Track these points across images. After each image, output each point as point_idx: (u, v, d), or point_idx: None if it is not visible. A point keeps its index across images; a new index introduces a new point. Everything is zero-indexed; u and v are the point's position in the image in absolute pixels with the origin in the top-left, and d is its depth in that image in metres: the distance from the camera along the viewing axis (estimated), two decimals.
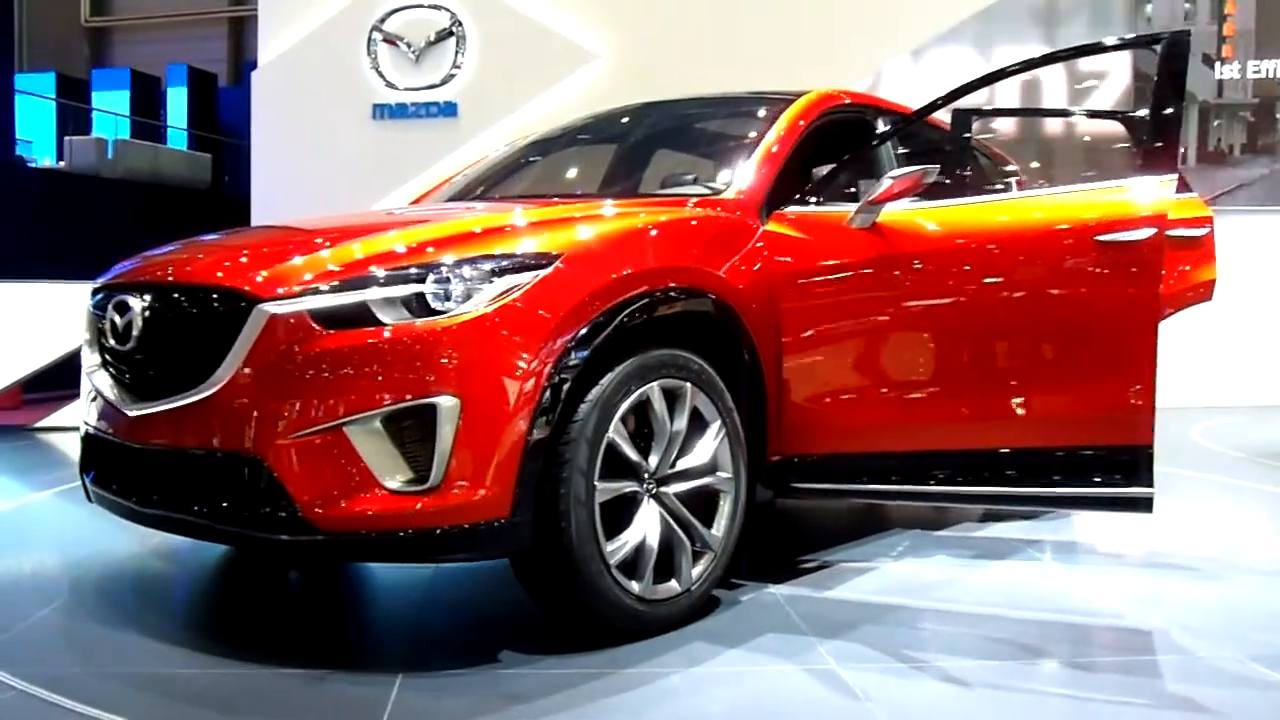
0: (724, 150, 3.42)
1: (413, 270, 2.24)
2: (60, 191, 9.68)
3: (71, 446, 5.49)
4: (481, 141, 7.22)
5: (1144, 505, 2.58)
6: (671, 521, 2.47)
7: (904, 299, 2.82)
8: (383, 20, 7.94)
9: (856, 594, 2.86)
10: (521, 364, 2.19)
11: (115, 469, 2.53)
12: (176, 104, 14.37)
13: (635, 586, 2.37)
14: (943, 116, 3.21)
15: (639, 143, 3.80)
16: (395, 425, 2.14)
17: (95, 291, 2.69)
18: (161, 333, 2.39)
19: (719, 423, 2.57)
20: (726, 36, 7.37)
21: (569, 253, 2.36)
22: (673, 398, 2.48)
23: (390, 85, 7.94)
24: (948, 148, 3.72)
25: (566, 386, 2.24)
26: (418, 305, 2.19)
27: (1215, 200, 7.12)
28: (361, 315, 2.17)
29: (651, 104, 3.89)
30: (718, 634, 2.46)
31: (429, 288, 2.21)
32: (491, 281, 2.23)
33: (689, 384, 2.50)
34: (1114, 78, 7.81)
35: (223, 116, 14.51)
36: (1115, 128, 5.88)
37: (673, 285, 2.51)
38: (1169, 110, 2.70)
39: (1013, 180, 4.18)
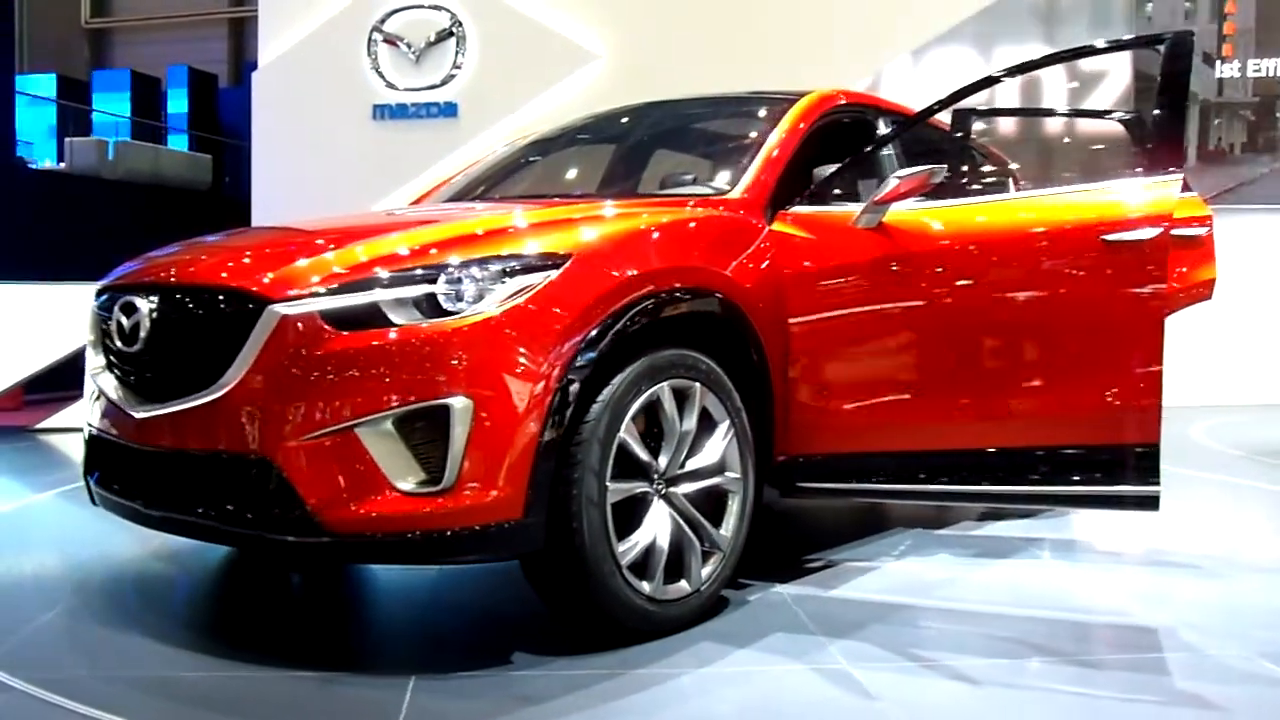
0: (728, 150, 3.43)
1: (425, 271, 2.24)
2: (61, 193, 9.67)
3: (73, 448, 5.51)
4: (481, 142, 7.22)
5: (1150, 503, 2.59)
6: (681, 522, 2.48)
7: (911, 299, 2.82)
8: (383, 21, 7.93)
9: (862, 593, 2.87)
10: (534, 364, 2.19)
11: (121, 471, 2.52)
12: (177, 105, 14.37)
13: (646, 587, 2.38)
14: (941, 116, 3.22)
15: (642, 142, 3.81)
16: (408, 426, 2.14)
17: (99, 293, 2.68)
18: (170, 334, 2.38)
19: (727, 423, 2.57)
20: (726, 36, 7.37)
21: (580, 253, 2.36)
22: (682, 398, 2.48)
23: (390, 86, 7.94)
24: (946, 147, 3.74)
25: (578, 387, 2.24)
26: (429, 306, 2.19)
27: (1216, 199, 7.13)
28: (373, 316, 2.17)
29: (654, 104, 3.89)
30: (727, 634, 2.47)
31: (440, 288, 2.20)
32: (503, 282, 2.23)
33: (698, 384, 2.51)
34: (1114, 78, 7.82)
35: (223, 117, 14.51)
36: (1115, 128, 5.88)
37: (682, 285, 2.52)
38: (1173, 110, 2.71)
39: (1009, 179, 4.20)
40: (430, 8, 7.90)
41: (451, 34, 7.86)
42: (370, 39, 7.93)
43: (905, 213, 2.84)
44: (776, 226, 2.87)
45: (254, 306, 2.21)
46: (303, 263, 2.30)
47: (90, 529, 3.50)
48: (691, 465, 2.52)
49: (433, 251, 2.32)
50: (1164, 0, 8.02)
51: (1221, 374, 7.58)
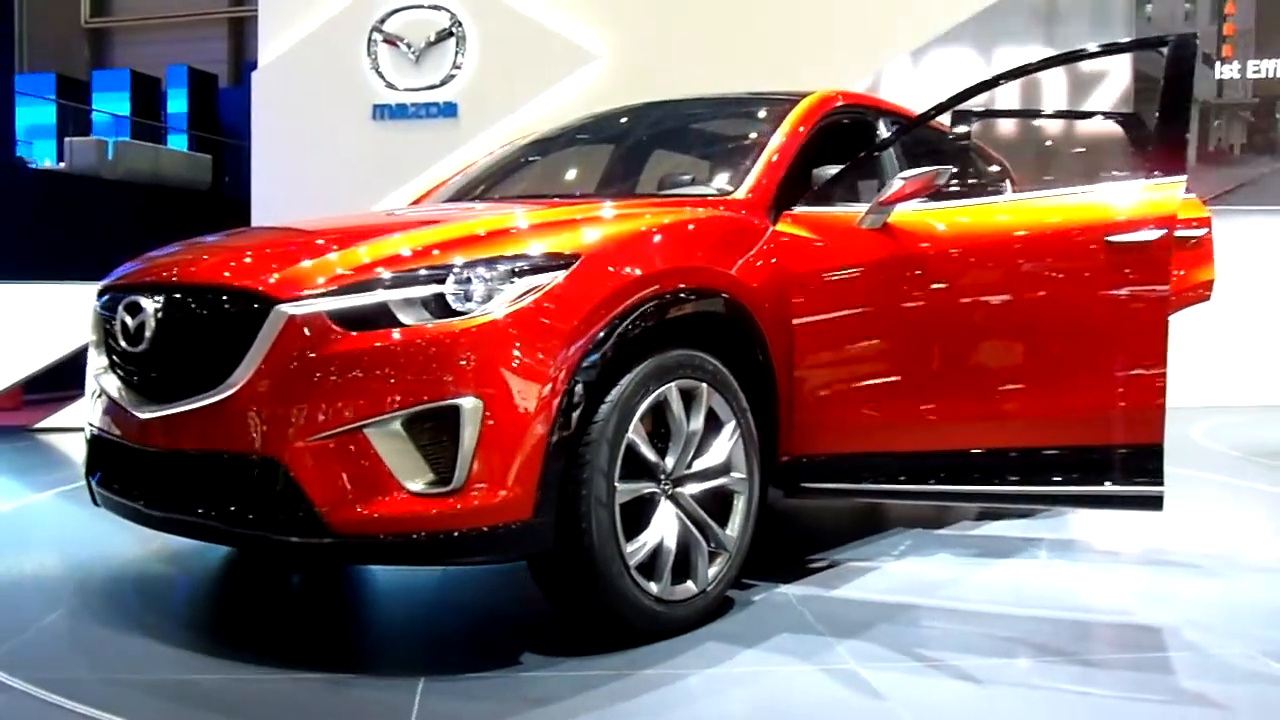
0: (731, 150, 3.44)
1: (433, 271, 2.24)
2: (61, 192, 9.66)
3: (72, 447, 5.51)
4: (481, 142, 7.22)
5: (1154, 503, 2.59)
6: (688, 522, 2.48)
7: (915, 299, 2.82)
8: (383, 21, 7.93)
9: (866, 593, 2.87)
10: (543, 365, 2.19)
11: (124, 471, 2.52)
12: (176, 105, 14.36)
13: (654, 588, 2.38)
14: (940, 118, 3.23)
15: (641, 142, 3.81)
16: (417, 427, 2.13)
17: (102, 293, 2.67)
18: (176, 334, 2.37)
19: (734, 423, 2.58)
20: (726, 37, 7.38)
21: (589, 253, 2.36)
22: (689, 398, 2.49)
23: (390, 86, 7.93)
24: (946, 148, 3.75)
25: (587, 387, 2.24)
26: (438, 306, 2.19)
27: (1216, 200, 7.15)
28: (381, 316, 2.17)
29: (654, 104, 3.89)
30: (734, 635, 2.47)
31: (449, 288, 2.20)
32: (512, 282, 2.23)
33: (705, 384, 2.51)
34: (1114, 78, 7.84)
35: (223, 117, 14.50)
36: (1115, 128, 5.90)
37: (688, 285, 2.52)
38: (1176, 113, 2.72)
39: (1006, 181, 4.21)
40: (430, 8, 7.90)
41: (451, 34, 7.86)
42: (370, 39, 7.93)
43: (909, 213, 2.85)
44: (781, 227, 2.87)
45: (262, 307, 2.21)
46: (310, 263, 2.29)
47: (90, 529, 3.49)
48: (698, 466, 2.52)
49: (441, 252, 2.32)
50: (1164, 1, 8.04)
51: (1221, 374, 7.60)
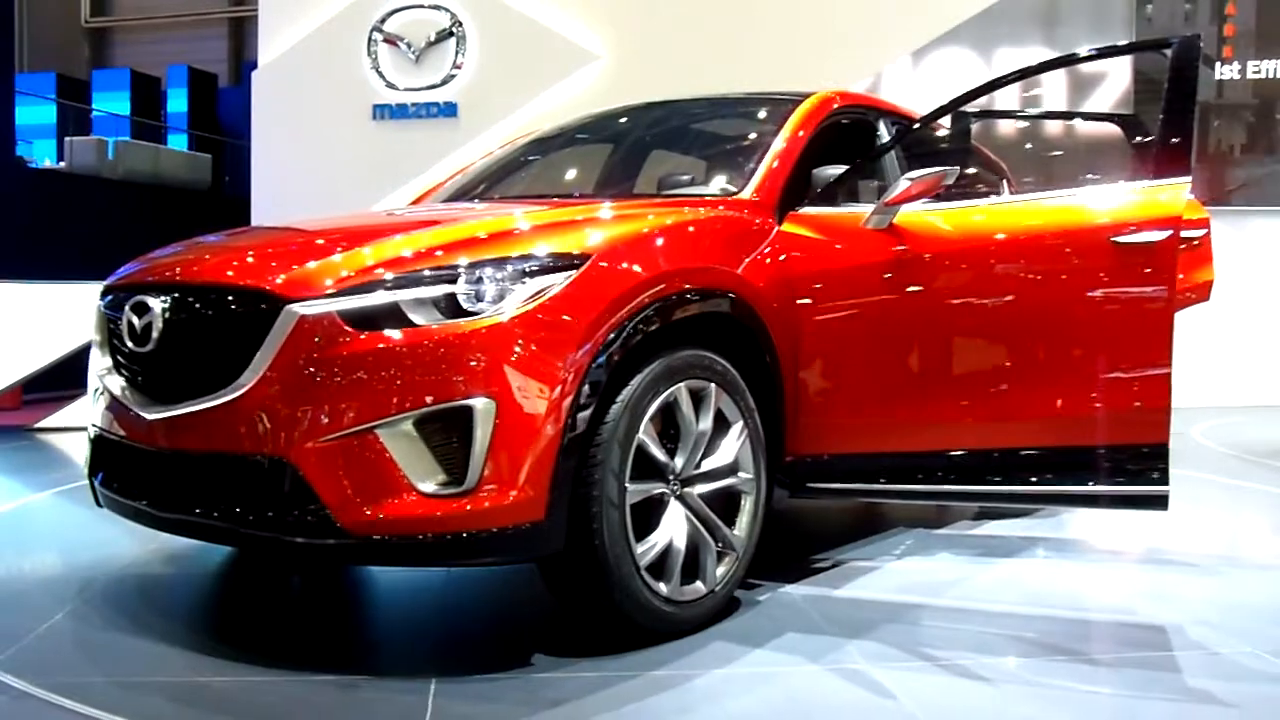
0: (735, 150, 3.44)
1: (444, 271, 2.23)
2: (61, 192, 9.64)
3: (72, 447, 5.50)
4: (481, 142, 7.23)
5: (1160, 503, 2.61)
6: (696, 522, 2.48)
7: (921, 299, 2.83)
8: (383, 20, 7.93)
9: (873, 593, 2.88)
10: (555, 365, 2.19)
11: (129, 472, 2.50)
12: (176, 104, 14.34)
13: (663, 588, 2.38)
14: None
15: (647, 142, 3.80)
16: (429, 427, 2.13)
17: (105, 293, 2.66)
18: (184, 335, 2.36)
19: (741, 423, 2.58)
20: (726, 37, 7.39)
21: (600, 254, 2.35)
22: (698, 398, 2.49)
23: (390, 85, 7.94)
24: (944, 147, 3.75)
25: (598, 387, 2.24)
26: (449, 306, 2.18)
27: (1216, 200, 7.17)
28: (392, 317, 2.16)
29: (654, 104, 3.89)
30: (743, 635, 2.47)
31: (460, 288, 2.20)
32: (524, 282, 2.23)
33: (714, 385, 2.51)
34: (1114, 79, 7.85)
35: (223, 117, 14.48)
36: (1115, 130, 5.91)
37: (696, 285, 2.52)
38: (1180, 114, 2.73)
39: (1003, 181, 4.22)
40: (430, 8, 7.90)
41: (451, 34, 7.87)
42: (370, 39, 7.93)
43: (915, 214, 2.85)
44: (786, 227, 2.87)
45: (271, 307, 2.20)
46: (320, 263, 2.28)
47: (91, 529, 3.48)
48: (707, 466, 2.53)
49: (449, 252, 2.31)
50: (1164, 2, 8.05)
51: (1221, 374, 7.62)
